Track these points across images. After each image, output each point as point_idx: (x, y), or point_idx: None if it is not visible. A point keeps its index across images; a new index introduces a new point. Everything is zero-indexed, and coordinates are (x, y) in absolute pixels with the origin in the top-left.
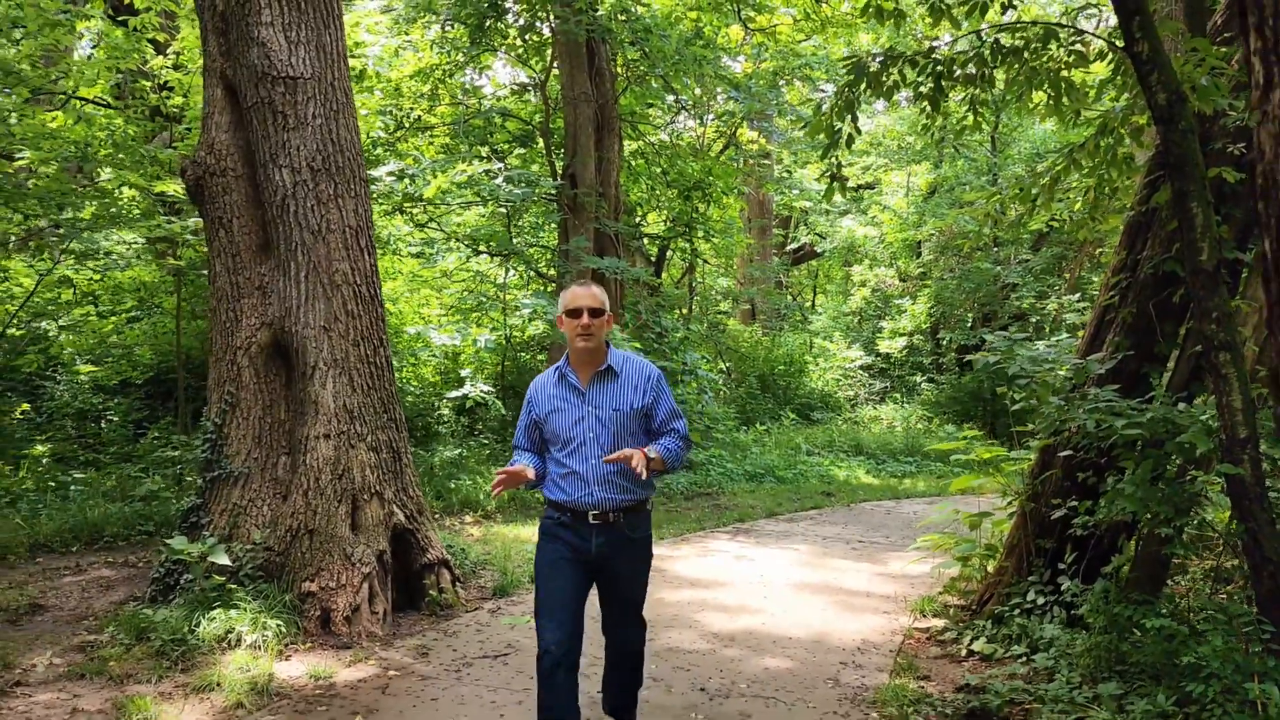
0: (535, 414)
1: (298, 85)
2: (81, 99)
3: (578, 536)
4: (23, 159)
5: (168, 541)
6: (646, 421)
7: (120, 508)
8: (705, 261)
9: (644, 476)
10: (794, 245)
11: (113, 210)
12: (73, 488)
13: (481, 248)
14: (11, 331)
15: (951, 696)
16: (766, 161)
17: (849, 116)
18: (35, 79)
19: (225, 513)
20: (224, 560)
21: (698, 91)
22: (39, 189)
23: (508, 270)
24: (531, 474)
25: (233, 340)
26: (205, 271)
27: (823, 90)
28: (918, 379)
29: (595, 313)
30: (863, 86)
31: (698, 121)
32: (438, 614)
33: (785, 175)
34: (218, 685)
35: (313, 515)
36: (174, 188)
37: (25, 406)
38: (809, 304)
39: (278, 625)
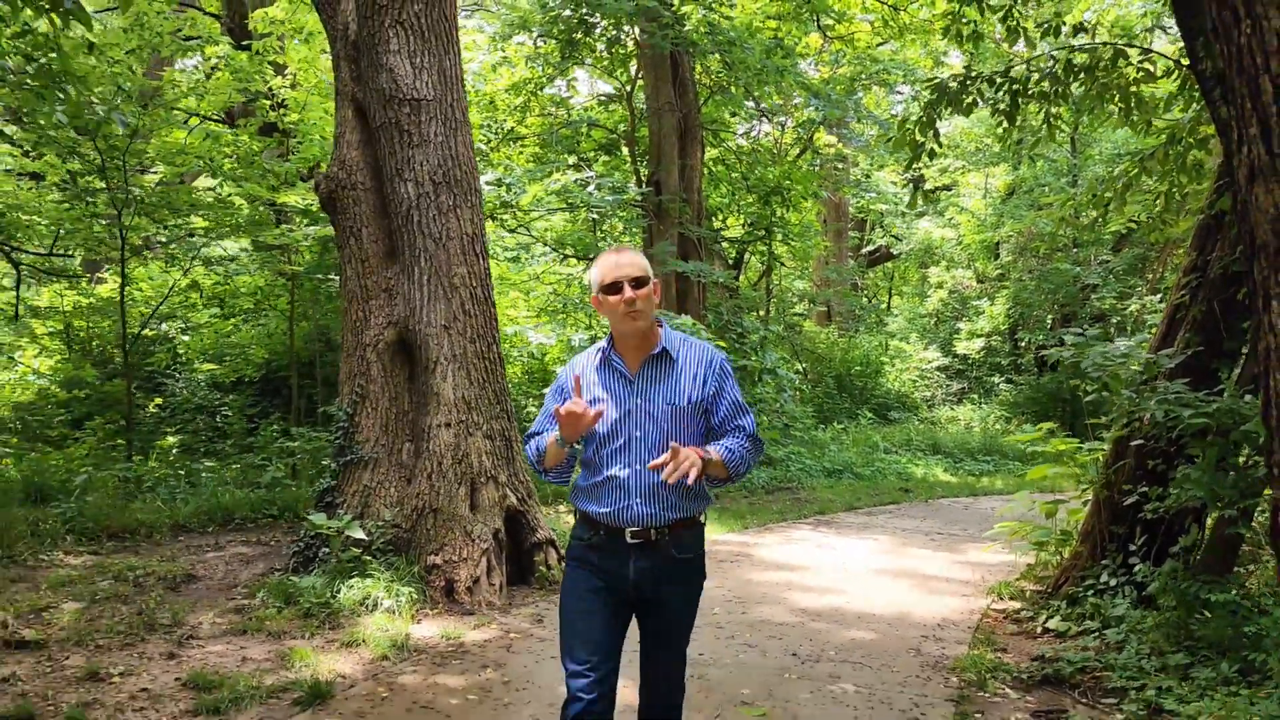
0: (572, 399)
1: (421, 106)
2: (202, 116)
3: (613, 560)
4: (156, 173)
5: (309, 517)
6: (706, 418)
7: (247, 493)
8: (782, 264)
9: (692, 482)
10: (870, 248)
11: (233, 220)
12: (203, 475)
13: (569, 251)
14: (146, 333)
15: (1026, 665)
16: (843, 165)
17: (930, 132)
18: (170, 100)
19: (357, 493)
20: (359, 534)
21: (777, 100)
22: (171, 199)
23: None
24: (593, 412)
25: (362, 338)
26: (316, 276)
27: (900, 93)
28: (996, 380)
29: (638, 283)
30: (944, 104)
31: (776, 128)
32: (546, 587)
33: (862, 179)
34: (363, 641)
35: (436, 496)
36: (293, 198)
37: (158, 401)
38: (885, 306)
39: (410, 592)
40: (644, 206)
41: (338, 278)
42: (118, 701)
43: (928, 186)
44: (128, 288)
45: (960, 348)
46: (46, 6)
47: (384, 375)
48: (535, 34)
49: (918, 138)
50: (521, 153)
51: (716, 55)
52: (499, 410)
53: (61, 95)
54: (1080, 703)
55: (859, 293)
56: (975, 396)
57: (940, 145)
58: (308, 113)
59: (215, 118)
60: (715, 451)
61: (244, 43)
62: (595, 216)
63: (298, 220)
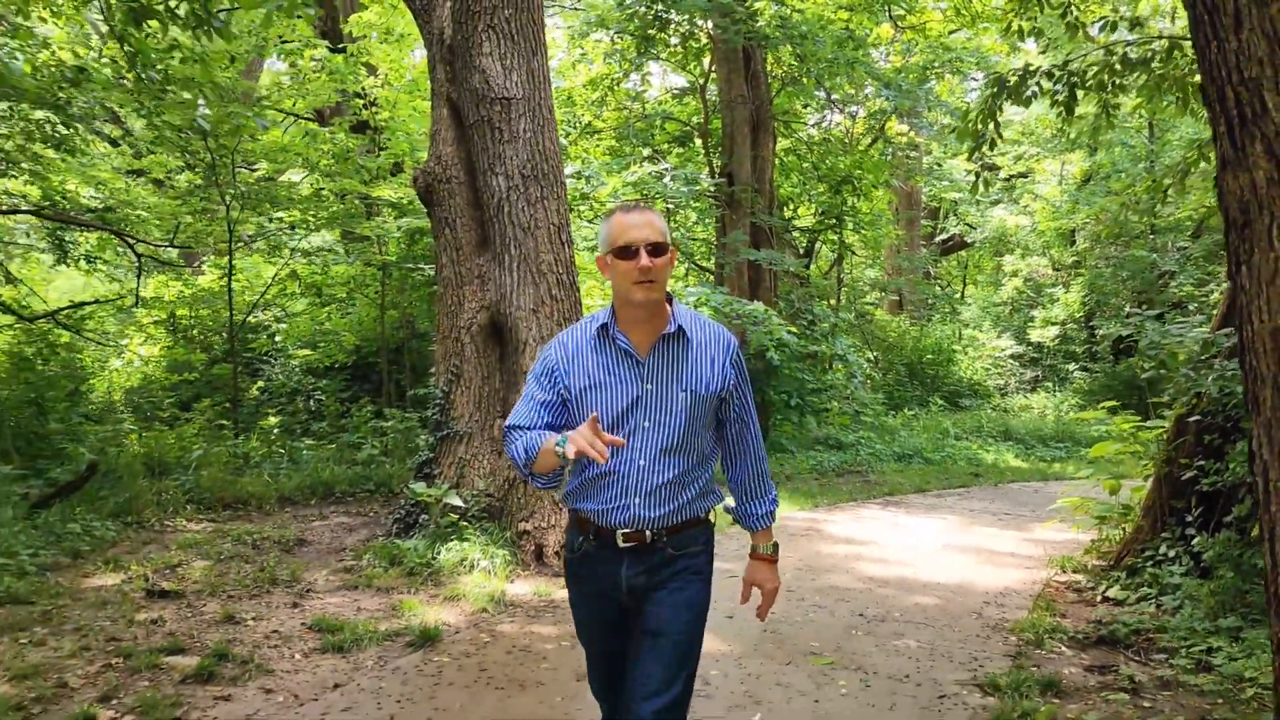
0: (563, 386)
1: (511, 105)
2: (295, 115)
3: (605, 567)
4: (260, 169)
5: (410, 486)
6: (715, 411)
7: (345, 469)
8: (853, 253)
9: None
10: (943, 236)
11: (328, 213)
12: (304, 453)
13: None
14: (251, 319)
15: (1083, 628)
16: (915, 154)
17: (991, 124)
18: (274, 100)
19: (453, 465)
20: (456, 502)
21: (849, 90)
22: (273, 194)
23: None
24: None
25: (457, 321)
26: (405, 265)
27: (975, 78)
28: (1070, 368)
29: (656, 249)
30: (1003, 97)
31: (848, 117)
32: None
33: (935, 167)
34: (463, 597)
35: None
36: (384, 192)
37: (261, 384)
38: (958, 294)
39: (504, 555)
40: (717, 197)
41: (425, 267)
42: (254, 640)
43: (1003, 174)
44: (238, 278)
45: (1034, 336)
46: (194, 24)
47: (477, 356)
48: (612, 30)
49: (979, 128)
50: (598, 145)
51: (788, 47)
52: None
53: (203, 99)
54: (1132, 660)
55: (931, 281)
56: (1049, 384)
57: (1001, 137)
58: (397, 110)
59: (308, 116)
60: (762, 529)
61: (339, 45)
62: (670, 207)
63: (387, 212)
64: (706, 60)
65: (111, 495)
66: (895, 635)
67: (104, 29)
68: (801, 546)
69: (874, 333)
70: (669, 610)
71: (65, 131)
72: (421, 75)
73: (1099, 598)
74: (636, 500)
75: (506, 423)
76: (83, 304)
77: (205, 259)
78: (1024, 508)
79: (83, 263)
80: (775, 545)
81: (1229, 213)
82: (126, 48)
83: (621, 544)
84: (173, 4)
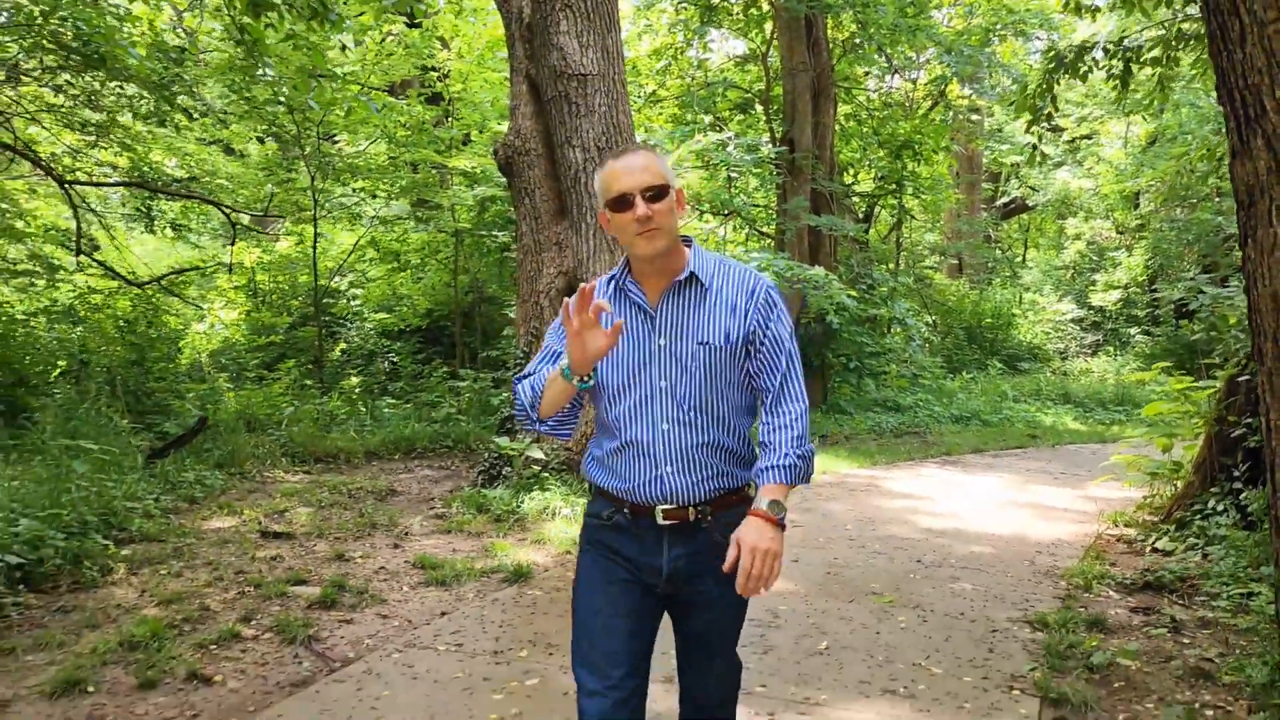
0: None
1: (587, 81)
2: (368, 88)
3: (639, 546)
4: (339, 142)
5: (495, 440)
6: (745, 364)
7: (424, 427)
8: (913, 217)
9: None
10: (1005, 199)
11: (404, 182)
12: (385, 411)
13: (704, 207)
14: (334, 284)
15: (1131, 575)
16: (977, 117)
17: (1049, 97)
18: (353, 75)
19: None
20: (538, 455)
21: (910, 53)
22: (355, 165)
23: (729, 228)
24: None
25: (536, 285)
26: (479, 233)
27: (1039, 38)
28: (1132, 332)
29: (655, 194)
30: (1060, 72)
31: (909, 82)
32: None
33: (996, 131)
34: (548, 540)
35: None
36: (459, 162)
37: (343, 346)
38: (1019, 258)
39: (583, 506)
40: (778, 164)
41: (498, 234)
42: (365, 574)
43: (1066, 136)
44: (307, 244)
45: (1096, 299)
46: (309, 16)
47: (555, 317)
48: (678, 1)
49: (1036, 102)
50: (661, 114)
51: (850, 13)
52: None
53: (314, 84)
54: (1176, 603)
55: (992, 245)
56: (1111, 348)
57: (1057, 109)
58: (469, 82)
59: (383, 89)
60: (770, 483)
61: (414, 20)
62: (734, 175)
63: (458, 180)
64: (768, 27)
65: (215, 448)
66: (951, 579)
67: (181, 4)
68: (861, 501)
69: (933, 296)
70: (719, 614)
71: (167, 108)
72: (490, 47)
73: (1148, 549)
74: (668, 470)
75: (519, 374)
76: (183, 270)
77: (281, 226)
78: (1080, 468)
79: (168, 230)
80: (778, 506)
81: (1238, 194)
82: (246, 36)
83: (662, 522)
84: None
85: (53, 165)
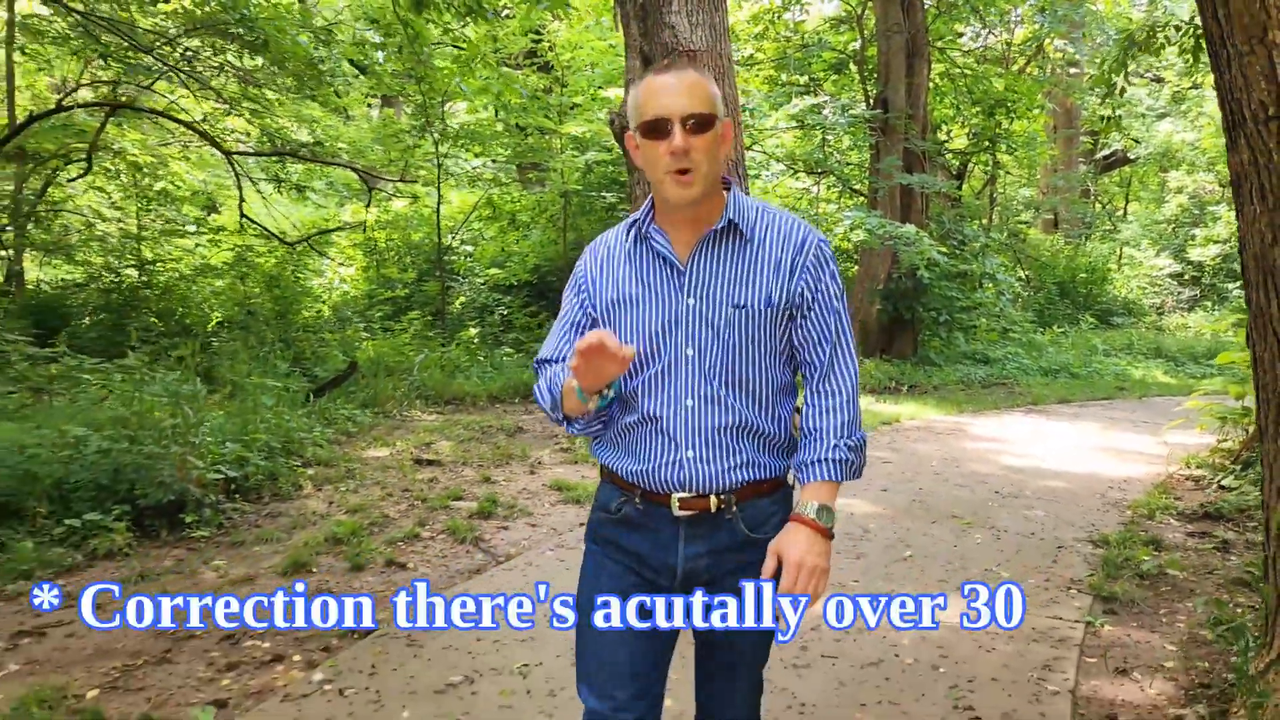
0: (591, 301)
1: (696, 56)
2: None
3: (652, 542)
4: (458, 110)
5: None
6: (788, 333)
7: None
8: (1007, 173)
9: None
10: (1105, 152)
11: (517, 146)
12: (503, 359)
13: (799, 167)
14: (454, 243)
15: (1193, 506)
16: (1075, 70)
17: (1123, 73)
18: (475, 47)
19: None
20: None
21: (1005, 8)
22: (475, 131)
23: (822, 185)
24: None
25: None
26: (589, 194)
27: None
28: (1230, 287)
29: (696, 123)
30: (1134, 51)
31: (1003, 43)
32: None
33: (1095, 88)
34: None
35: None
36: (570, 128)
37: (461, 299)
38: (1121, 213)
39: None
40: (871, 124)
41: (605, 195)
42: (510, 493)
43: (1169, 88)
44: (425, 204)
45: (1194, 254)
46: (465, 12)
47: None
48: None
49: (1113, 78)
50: (757, 75)
51: None
52: None
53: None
54: (1230, 529)
55: (1091, 199)
56: (1209, 304)
57: (1130, 83)
58: (578, 53)
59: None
60: (816, 481)
61: None
62: (830, 138)
63: (567, 145)
64: None
65: (360, 390)
66: (1026, 507)
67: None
68: (947, 443)
69: (1026, 252)
70: (742, 634)
71: (316, 85)
72: (598, 11)
73: (1215, 486)
74: (690, 453)
75: (536, 356)
76: (327, 230)
77: (396, 189)
78: (1163, 417)
79: (294, 192)
80: (826, 511)
81: (1232, 178)
82: (409, 30)
83: (678, 513)
84: None
85: (221, 138)
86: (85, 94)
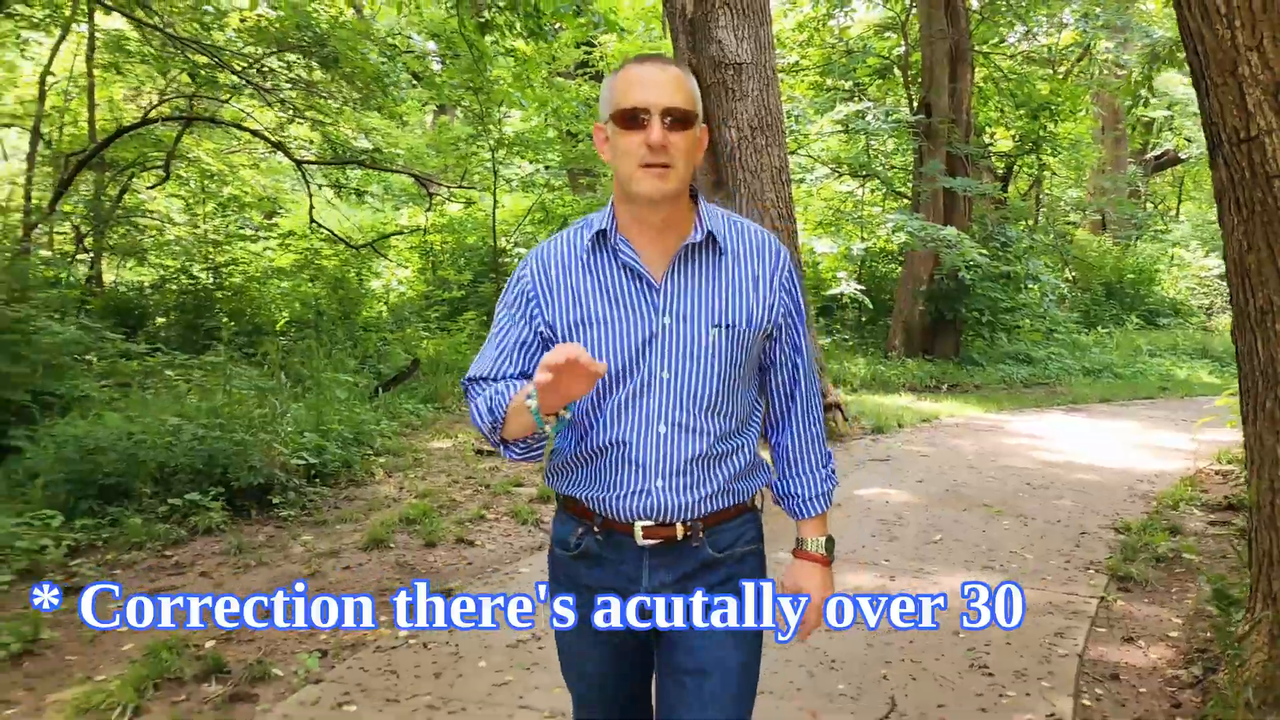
0: (541, 321)
1: (742, 69)
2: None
3: (616, 574)
4: (511, 119)
5: None
6: (761, 352)
7: None
8: (1053, 174)
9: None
10: (1156, 151)
11: (569, 153)
12: None
13: (844, 170)
14: (508, 246)
15: (1217, 498)
16: (1123, 71)
17: (1148, 85)
18: (535, 60)
19: None
20: None
21: (1048, 14)
22: (531, 138)
23: (866, 189)
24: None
25: None
26: None
27: None
28: None
29: (677, 119)
30: (1158, 65)
31: (1044, 49)
32: (834, 439)
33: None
34: None
35: None
36: None
37: None
38: (1174, 213)
39: None
40: (915, 128)
41: None
42: None
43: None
44: (479, 209)
45: None
46: (526, 35)
47: None
48: None
49: (1139, 92)
50: (802, 81)
51: None
52: None
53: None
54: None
55: (1140, 200)
56: None
57: (1154, 94)
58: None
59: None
60: (813, 517)
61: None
62: (875, 143)
63: None
64: None
65: (421, 387)
66: (1055, 497)
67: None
68: (984, 439)
69: (1072, 253)
70: (713, 638)
71: (383, 97)
72: (646, 21)
73: (1242, 480)
74: (659, 483)
75: (466, 374)
76: (389, 234)
77: (450, 192)
78: (1205, 416)
79: (352, 197)
80: (830, 542)
81: (1215, 192)
82: (474, 51)
83: (641, 540)
84: (511, 19)
85: (291, 147)
86: (163, 106)
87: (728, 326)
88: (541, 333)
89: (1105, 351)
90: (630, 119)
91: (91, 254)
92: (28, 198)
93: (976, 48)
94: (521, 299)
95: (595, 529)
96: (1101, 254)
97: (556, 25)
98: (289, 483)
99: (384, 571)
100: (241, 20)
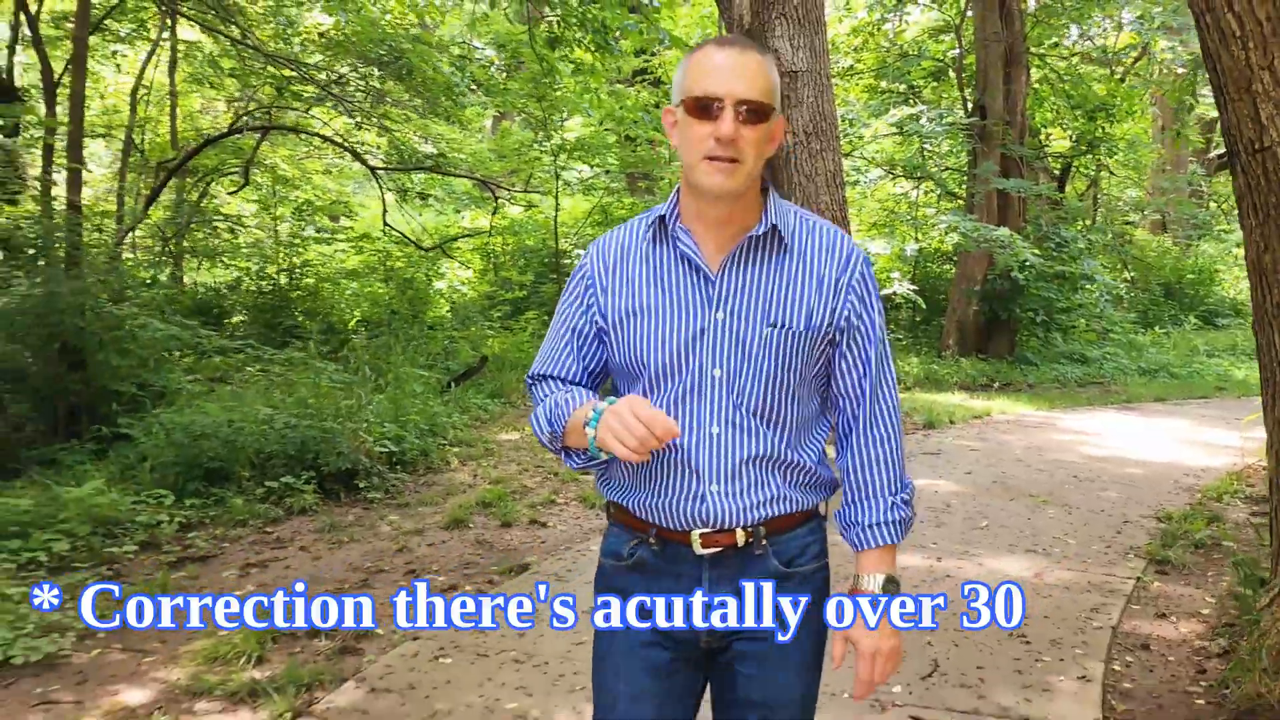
0: (598, 306)
1: (797, 77)
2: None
3: (670, 587)
4: (571, 125)
5: None
6: (826, 360)
7: None
8: (1111, 174)
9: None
10: (1218, 151)
11: (627, 158)
12: None
13: (898, 172)
14: (568, 248)
15: (1261, 491)
16: (1183, 70)
17: (1193, 90)
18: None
19: None
20: None
21: (1107, 15)
22: (591, 144)
23: (921, 190)
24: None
25: None
26: None
27: None
28: None
29: (751, 111)
30: (1200, 72)
31: (1100, 50)
32: None
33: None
34: None
35: None
36: None
37: None
38: (1236, 211)
39: None
40: (968, 130)
41: None
42: None
43: None
44: (540, 211)
45: None
46: (594, 49)
47: None
48: None
49: (1184, 98)
50: (857, 84)
51: None
52: None
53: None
54: None
55: (1203, 199)
56: None
57: (1198, 102)
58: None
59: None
60: (876, 548)
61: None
62: (929, 146)
63: (671, 154)
64: (963, 1)
65: (487, 383)
66: (1100, 489)
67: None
68: (1034, 434)
69: (1131, 253)
70: (779, 668)
71: (452, 105)
72: (702, 23)
73: None
74: (714, 487)
75: (530, 370)
76: (456, 237)
77: (509, 196)
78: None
79: (417, 200)
80: (890, 581)
81: (1236, 197)
82: (543, 64)
83: (700, 549)
84: (580, 35)
85: (365, 154)
86: (245, 117)
87: (783, 327)
88: (598, 323)
89: (1162, 351)
90: (702, 108)
91: (173, 256)
92: (120, 204)
93: (1032, 50)
94: (580, 286)
95: (651, 540)
96: (1161, 254)
97: (620, 36)
98: (373, 468)
99: (465, 548)
100: (320, 35)
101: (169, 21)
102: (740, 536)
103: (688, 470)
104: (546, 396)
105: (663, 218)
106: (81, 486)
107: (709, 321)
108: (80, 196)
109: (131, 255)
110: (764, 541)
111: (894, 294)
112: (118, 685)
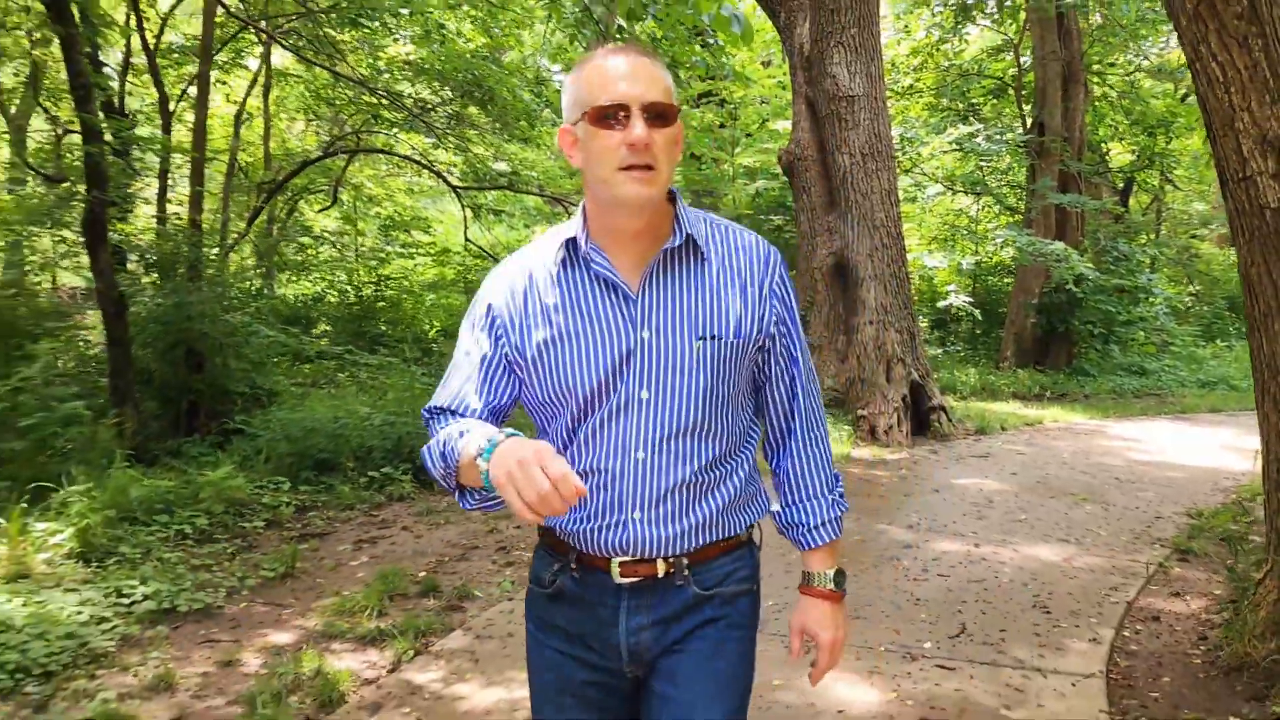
0: (508, 344)
1: (854, 101)
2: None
3: (591, 617)
4: None
5: None
6: (755, 365)
7: None
8: (1176, 187)
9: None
10: None
11: (694, 176)
12: None
13: (958, 187)
14: None
15: None
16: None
17: None
18: None
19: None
20: None
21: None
22: None
23: (980, 204)
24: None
25: (811, 263)
26: (757, 216)
27: None
28: None
29: (658, 115)
30: None
31: (1163, 58)
32: (938, 438)
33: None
34: None
35: (862, 370)
36: (744, 159)
37: None
38: None
39: (848, 431)
40: (1027, 147)
41: (774, 217)
42: None
43: None
44: None
45: None
46: None
47: (826, 289)
48: (934, 3)
49: None
50: (918, 102)
51: (1094, 7)
52: (905, 314)
53: None
54: None
55: None
56: None
57: None
58: (751, 89)
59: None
60: (821, 546)
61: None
62: (987, 163)
63: (739, 172)
64: (1022, 18)
65: None
66: (1139, 489)
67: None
68: (1083, 440)
69: (1196, 266)
70: (700, 689)
71: (529, 129)
72: (769, 45)
73: None
74: (637, 515)
75: (428, 404)
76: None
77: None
78: None
79: (490, 216)
80: (840, 575)
81: (1228, 218)
82: None
83: (619, 579)
84: None
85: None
86: (327, 136)
87: (714, 338)
88: (506, 354)
89: (1223, 364)
90: (607, 117)
91: (265, 269)
92: (224, 222)
93: (1089, 67)
94: (485, 323)
95: (572, 565)
96: (1227, 267)
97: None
98: None
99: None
100: (405, 64)
101: (266, 51)
102: (661, 567)
103: (610, 495)
104: (440, 432)
105: (574, 239)
106: (216, 471)
107: (635, 342)
108: (201, 215)
109: (237, 268)
110: (685, 572)
111: (951, 306)
112: (265, 630)
